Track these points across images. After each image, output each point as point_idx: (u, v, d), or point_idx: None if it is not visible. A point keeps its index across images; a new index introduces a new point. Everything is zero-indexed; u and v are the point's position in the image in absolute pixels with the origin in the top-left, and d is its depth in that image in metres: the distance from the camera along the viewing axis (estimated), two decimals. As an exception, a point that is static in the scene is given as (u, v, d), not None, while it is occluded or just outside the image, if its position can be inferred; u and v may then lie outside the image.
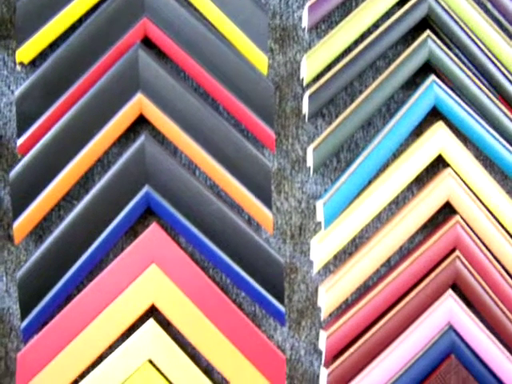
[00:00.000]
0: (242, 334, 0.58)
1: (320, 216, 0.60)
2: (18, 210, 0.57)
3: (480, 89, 0.60)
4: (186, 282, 0.58)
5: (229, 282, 0.61)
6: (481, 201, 0.60)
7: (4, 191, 0.60)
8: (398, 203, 0.62)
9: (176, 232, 0.60)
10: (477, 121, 0.60)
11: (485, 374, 0.60)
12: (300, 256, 0.61)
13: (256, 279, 0.58)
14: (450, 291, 0.60)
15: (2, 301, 0.60)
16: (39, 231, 0.60)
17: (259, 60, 0.59)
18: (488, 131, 0.61)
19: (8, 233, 0.60)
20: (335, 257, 0.62)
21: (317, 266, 0.59)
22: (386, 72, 0.60)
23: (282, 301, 0.59)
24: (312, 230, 0.62)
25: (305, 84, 0.60)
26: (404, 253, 0.62)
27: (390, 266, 0.62)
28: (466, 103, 0.60)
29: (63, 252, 0.58)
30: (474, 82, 0.60)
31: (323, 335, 0.59)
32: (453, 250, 0.60)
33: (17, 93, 0.57)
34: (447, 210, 0.61)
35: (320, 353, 0.61)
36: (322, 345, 0.59)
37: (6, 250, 0.60)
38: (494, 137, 0.61)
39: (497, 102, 0.60)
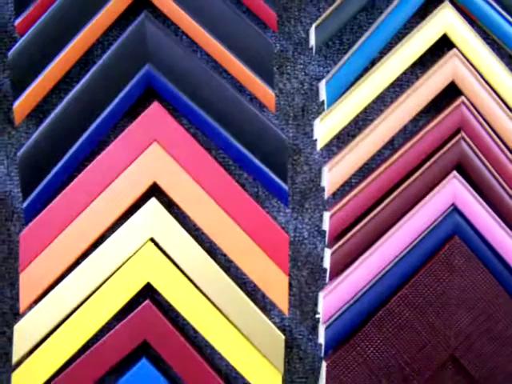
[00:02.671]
0: (244, 212, 0.58)
1: (322, 95, 0.59)
2: (18, 90, 0.57)
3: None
4: (188, 161, 0.58)
5: (231, 163, 0.60)
6: (486, 82, 0.59)
7: (3, 75, 0.60)
8: (401, 86, 0.61)
9: (177, 114, 0.59)
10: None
11: (488, 254, 0.59)
12: (303, 137, 0.61)
13: (259, 158, 0.58)
14: (455, 172, 0.59)
15: (4, 184, 0.60)
16: (39, 114, 0.59)
17: None
18: (496, 10, 0.59)
19: (8, 116, 0.60)
20: (338, 139, 0.61)
21: (319, 145, 0.58)
22: None
23: (285, 179, 0.58)
24: (315, 112, 0.61)
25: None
26: (408, 136, 0.61)
27: (393, 148, 0.61)
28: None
29: (63, 131, 0.57)
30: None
31: (326, 215, 0.59)
32: (457, 131, 0.59)
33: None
34: (452, 95, 0.60)
35: (323, 235, 0.61)
36: (326, 225, 0.59)
37: (6, 133, 0.60)
38: (502, 16, 0.59)
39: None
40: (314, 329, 0.61)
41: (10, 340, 0.59)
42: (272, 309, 0.61)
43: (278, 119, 0.60)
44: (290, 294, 0.61)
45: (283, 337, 0.59)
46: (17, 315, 0.59)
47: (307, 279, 0.61)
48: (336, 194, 0.61)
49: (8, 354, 0.60)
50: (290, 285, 0.61)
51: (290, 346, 0.61)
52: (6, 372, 0.60)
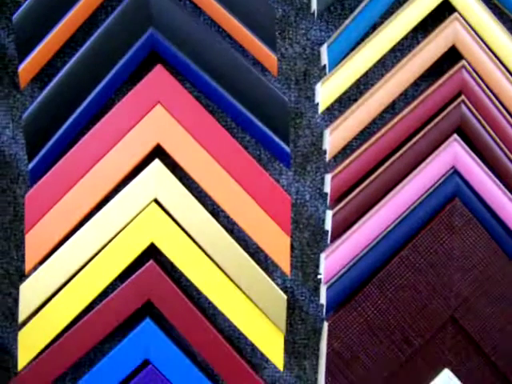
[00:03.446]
0: (247, 174, 0.59)
1: (324, 59, 0.60)
2: (23, 54, 0.57)
3: None
4: (191, 123, 0.58)
5: (233, 126, 0.61)
6: (487, 46, 0.60)
7: (8, 39, 0.60)
8: (402, 50, 0.62)
9: (181, 77, 0.59)
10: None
11: (488, 216, 0.60)
12: (305, 101, 0.61)
13: (261, 120, 0.58)
14: (455, 135, 0.59)
15: (9, 147, 0.61)
16: (44, 78, 0.60)
17: None
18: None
19: (13, 80, 0.60)
20: (340, 103, 0.61)
21: (321, 108, 0.59)
22: None
23: (287, 142, 0.59)
24: (316, 76, 0.61)
25: None
26: (409, 101, 0.62)
27: (394, 113, 0.61)
28: None
29: (68, 94, 0.58)
30: None
31: (328, 177, 0.60)
32: (458, 95, 0.60)
33: None
34: (453, 60, 0.60)
35: (325, 197, 0.62)
36: (327, 187, 0.60)
37: (11, 97, 0.61)
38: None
39: None
40: (315, 290, 0.62)
41: (16, 301, 0.60)
42: (274, 270, 0.62)
43: (280, 83, 0.61)
44: (291, 256, 0.61)
45: (285, 297, 0.59)
46: (23, 276, 0.60)
47: (309, 241, 0.62)
48: (337, 157, 0.61)
49: (14, 315, 0.61)
50: (292, 247, 0.61)
51: (291, 307, 0.62)
52: (13, 331, 0.61)
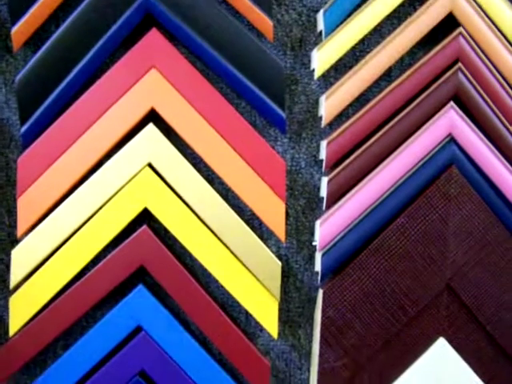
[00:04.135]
0: (242, 139, 0.58)
1: (320, 25, 0.59)
2: (16, 16, 0.57)
3: None
4: (186, 87, 0.58)
5: (228, 92, 0.60)
6: (485, 13, 0.59)
7: (1, 2, 0.60)
8: (399, 17, 0.61)
9: (176, 42, 0.59)
10: None
11: (484, 185, 0.60)
12: (300, 68, 0.61)
13: (257, 85, 0.58)
14: (452, 103, 0.59)
15: (2, 112, 0.60)
16: (38, 42, 0.59)
17: None
18: None
19: (6, 44, 0.60)
20: (336, 70, 0.61)
21: (317, 74, 0.58)
22: None
23: (282, 106, 0.58)
24: (312, 43, 0.61)
25: None
26: (405, 69, 0.61)
27: (391, 81, 0.61)
28: None
29: (62, 57, 0.57)
30: None
31: (323, 143, 0.59)
32: (455, 62, 0.59)
33: None
34: (451, 28, 0.60)
35: (320, 165, 0.61)
36: (322, 154, 0.59)
37: (4, 60, 0.60)
38: None
39: None
40: (310, 258, 0.62)
41: (7, 267, 0.60)
42: (269, 238, 0.61)
43: (276, 50, 0.60)
44: (286, 224, 0.61)
45: (280, 263, 0.59)
46: (14, 242, 0.59)
47: (304, 209, 0.61)
48: (333, 124, 0.61)
49: (6, 281, 0.60)
50: (287, 214, 0.61)
51: (286, 275, 0.61)
52: (4, 298, 0.60)
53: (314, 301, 0.62)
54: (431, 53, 0.59)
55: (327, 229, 0.59)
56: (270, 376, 0.61)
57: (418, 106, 0.59)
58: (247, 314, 0.61)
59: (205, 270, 0.60)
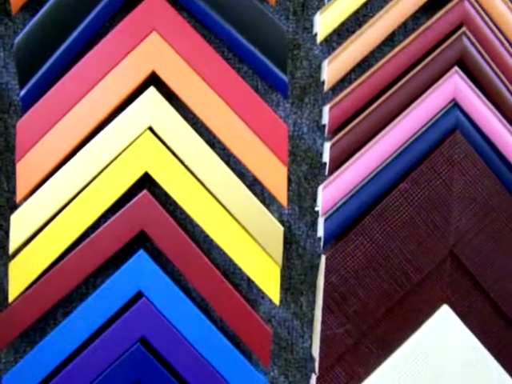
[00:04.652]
0: (244, 103, 0.58)
1: (323, -12, 0.59)
2: (14, -22, 0.56)
3: None
4: (187, 50, 0.57)
5: (230, 56, 0.60)
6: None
7: (-1, -34, 0.59)
8: (403, -15, 0.60)
9: (178, 5, 0.58)
10: None
11: (488, 150, 0.59)
12: (303, 33, 0.60)
13: (259, 49, 0.57)
14: (456, 67, 0.58)
15: (0, 76, 0.59)
16: (36, 6, 0.59)
17: None
18: None
19: (4, 7, 0.59)
20: (339, 35, 0.60)
21: (319, 38, 0.58)
22: None
23: (284, 70, 0.58)
24: (315, 7, 0.60)
25: None
26: (409, 33, 0.61)
27: (394, 46, 0.60)
28: None
29: (61, 20, 0.56)
30: None
31: (326, 108, 0.59)
32: (459, 27, 0.58)
33: None
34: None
35: (323, 130, 0.61)
36: (325, 119, 0.59)
37: (3, 24, 0.59)
38: None
39: None
40: (312, 225, 0.61)
41: (7, 233, 0.59)
42: (270, 204, 0.60)
43: (278, 14, 0.60)
44: (288, 190, 0.60)
45: (282, 228, 0.58)
46: (13, 208, 0.58)
47: (306, 175, 0.61)
48: (336, 90, 0.60)
49: (5, 248, 0.59)
50: (289, 180, 0.60)
51: (288, 242, 0.61)
52: (3, 265, 0.60)
53: (316, 268, 0.61)
54: (435, 17, 0.58)
55: (330, 194, 0.58)
56: (271, 343, 0.60)
57: (422, 70, 0.58)
58: (249, 282, 0.61)
59: (206, 237, 0.59)
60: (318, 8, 0.60)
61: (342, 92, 0.59)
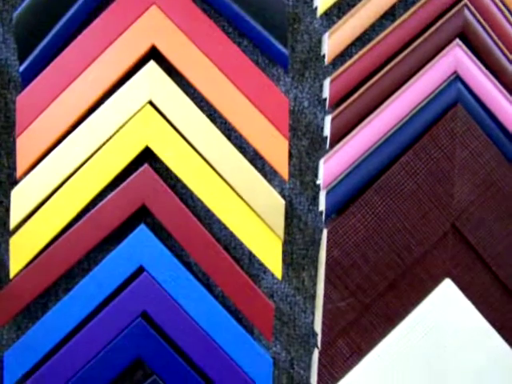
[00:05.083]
0: (244, 76, 0.57)
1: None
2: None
3: None
4: (187, 24, 0.57)
5: (230, 31, 0.59)
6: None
7: None
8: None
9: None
10: None
11: (489, 123, 0.59)
12: (303, 6, 0.60)
13: (259, 22, 0.57)
14: (458, 40, 0.58)
15: (0, 52, 0.59)
16: (35, -19, 0.58)
17: None
18: None
19: (3, -17, 0.59)
20: (339, 9, 0.60)
21: (319, 11, 0.58)
22: None
23: (285, 43, 0.57)
24: (315, -19, 0.60)
25: None
26: (409, 7, 0.60)
27: (394, 19, 0.60)
28: None
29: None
30: None
31: (327, 81, 0.58)
32: (460, -1, 0.58)
33: None
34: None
35: (324, 104, 0.60)
36: (326, 92, 0.58)
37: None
38: None
39: None
40: (314, 200, 0.61)
41: (7, 210, 0.59)
42: (272, 179, 0.60)
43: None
44: (289, 165, 0.60)
45: (283, 201, 0.58)
46: (14, 184, 0.58)
47: (307, 149, 0.60)
48: (336, 64, 0.60)
49: (6, 224, 0.59)
50: (290, 155, 0.60)
51: (290, 216, 0.61)
52: (4, 242, 0.59)
53: (317, 243, 0.61)
54: (436, -11, 0.58)
55: (331, 167, 0.58)
56: (274, 318, 0.60)
57: (423, 43, 0.58)
58: (250, 256, 0.60)
59: (207, 211, 0.59)
60: (318, -19, 0.60)
61: (342, 66, 0.59)
